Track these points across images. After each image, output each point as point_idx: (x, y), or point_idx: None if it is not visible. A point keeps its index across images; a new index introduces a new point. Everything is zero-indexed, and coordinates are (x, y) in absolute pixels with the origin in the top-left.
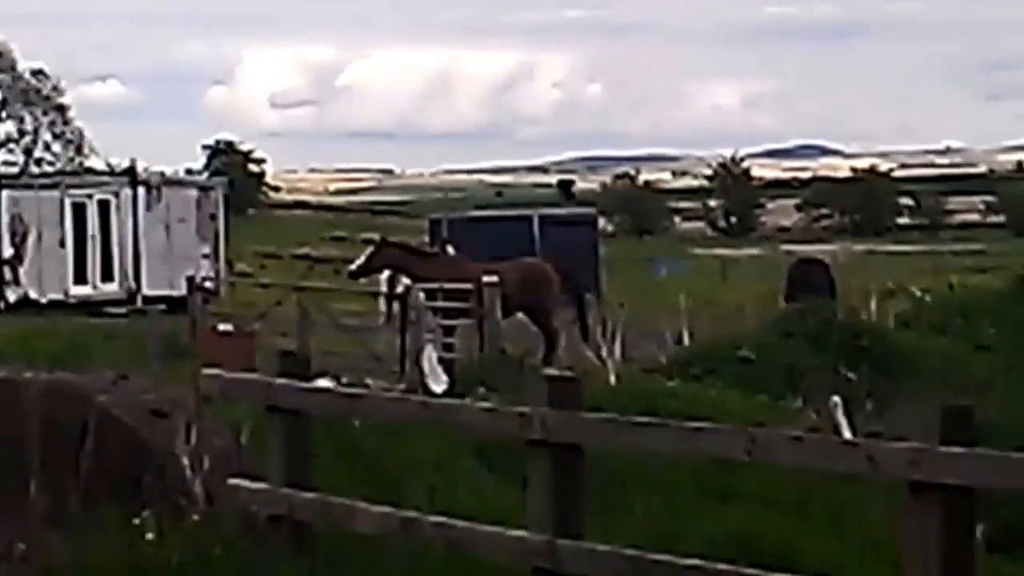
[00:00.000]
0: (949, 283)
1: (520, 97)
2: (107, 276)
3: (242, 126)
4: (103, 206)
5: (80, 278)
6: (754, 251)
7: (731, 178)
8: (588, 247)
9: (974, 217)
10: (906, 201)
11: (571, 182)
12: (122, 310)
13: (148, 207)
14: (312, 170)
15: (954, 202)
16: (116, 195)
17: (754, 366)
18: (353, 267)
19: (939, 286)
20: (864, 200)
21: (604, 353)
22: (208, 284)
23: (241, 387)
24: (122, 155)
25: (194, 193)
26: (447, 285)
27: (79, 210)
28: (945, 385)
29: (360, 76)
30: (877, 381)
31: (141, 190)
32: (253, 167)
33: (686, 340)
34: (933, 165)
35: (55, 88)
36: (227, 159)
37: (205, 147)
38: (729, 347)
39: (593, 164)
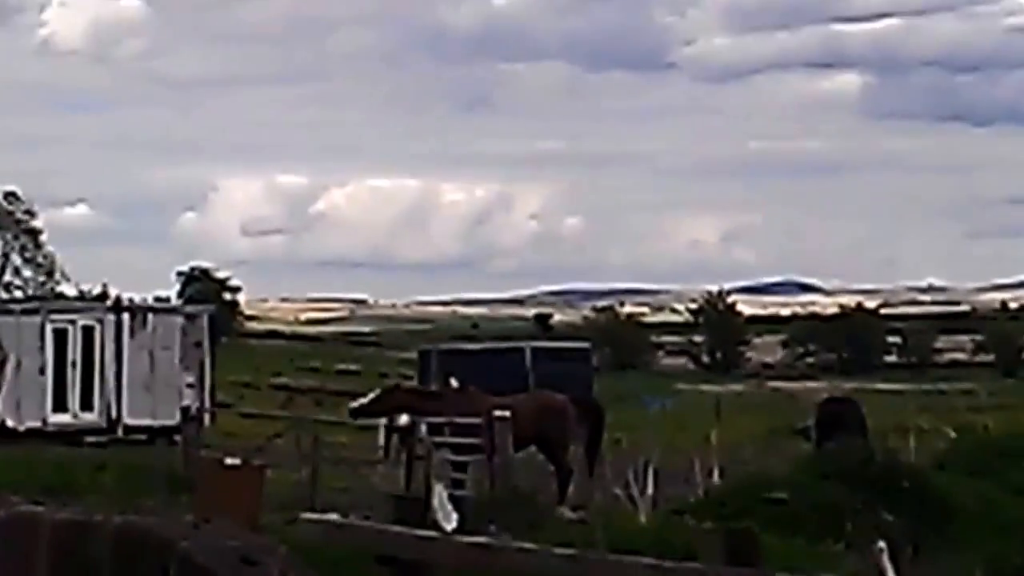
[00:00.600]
0: (984, 424)
1: (496, 229)
2: (87, 404)
3: (213, 253)
4: (86, 332)
5: (60, 406)
6: (738, 387)
7: (716, 313)
8: (583, 382)
9: (962, 356)
10: (893, 339)
11: (548, 315)
12: (102, 439)
13: (132, 334)
14: (283, 299)
15: (942, 341)
16: (100, 321)
17: (788, 507)
18: (355, 405)
19: (954, 426)
20: (851, 338)
21: (636, 493)
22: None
23: (347, 534)
24: (93, 281)
25: (180, 320)
26: (456, 419)
27: (60, 336)
28: (985, 529)
29: (333, 205)
30: (917, 524)
31: (125, 316)
32: (228, 295)
33: (716, 478)
34: (916, 303)
35: (28, 212)
36: (201, 286)
37: (180, 274)
38: (759, 487)
39: (569, 297)
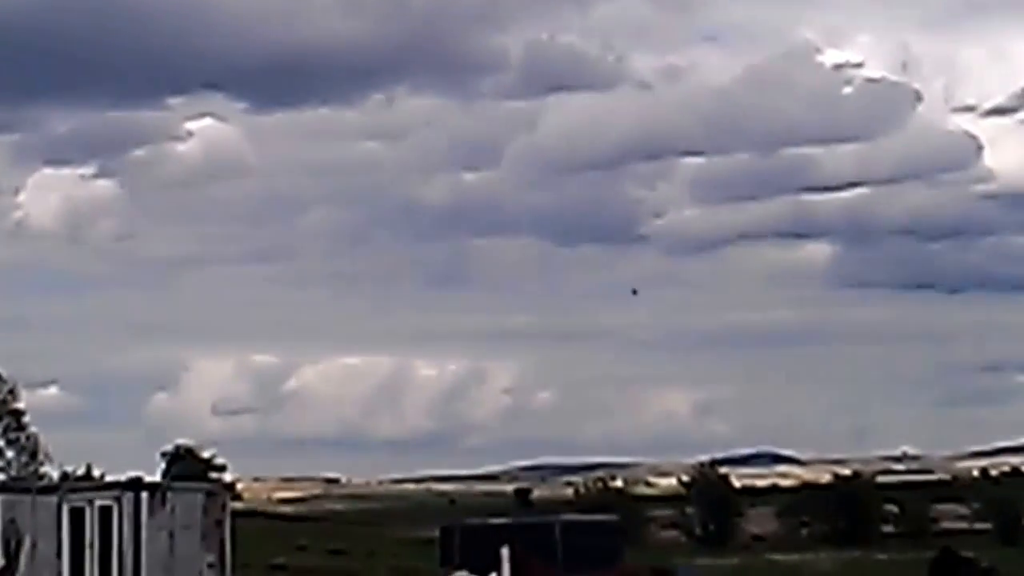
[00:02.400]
0: None
1: (468, 404)
2: None
3: (185, 434)
4: (104, 513)
5: None
6: (734, 560)
7: (708, 484)
8: (614, 556)
9: (960, 525)
10: (890, 508)
11: (528, 490)
12: None
13: (151, 513)
14: (256, 479)
15: (938, 509)
16: (118, 500)
17: None
18: None
19: None
20: (847, 507)
21: None
22: None
23: None
24: (76, 462)
25: (200, 498)
26: None
27: (77, 517)
28: None
29: (305, 383)
30: None
31: (144, 495)
32: (214, 474)
33: None
34: (891, 472)
35: (11, 392)
36: (187, 465)
37: (164, 454)
38: None
39: (543, 472)
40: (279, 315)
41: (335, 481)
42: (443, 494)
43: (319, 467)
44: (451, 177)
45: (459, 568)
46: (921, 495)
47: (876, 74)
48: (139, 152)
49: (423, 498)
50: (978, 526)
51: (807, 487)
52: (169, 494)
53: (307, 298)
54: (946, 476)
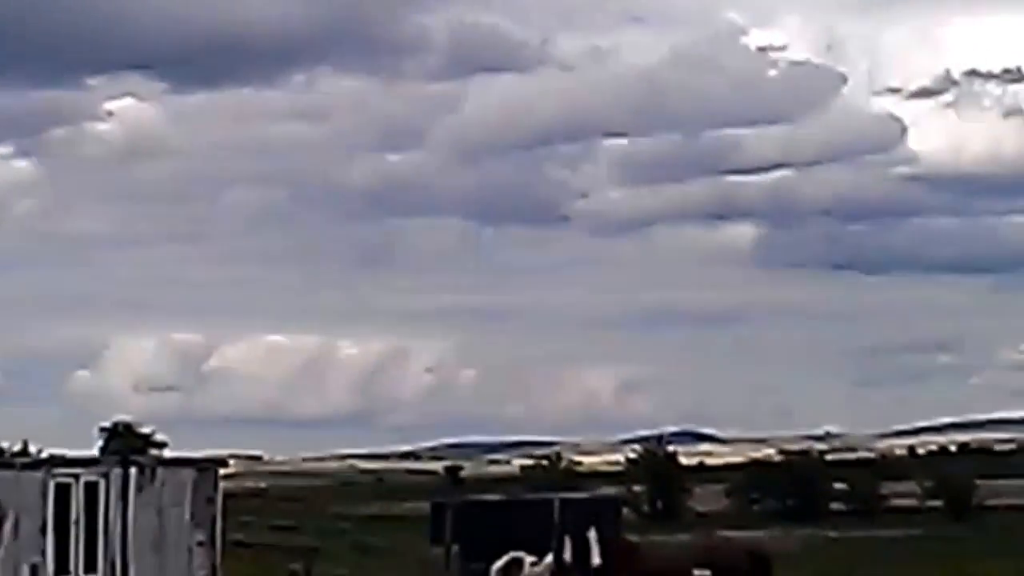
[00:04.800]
0: None
1: (391, 382)
2: (91, 566)
3: (107, 411)
4: (90, 489)
5: (61, 568)
6: (685, 537)
7: (655, 462)
8: (613, 534)
9: (911, 502)
10: (840, 485)
11: (459, 468)
12: None
13: (140, 489)
14: None
15: (889, 487)
16: (105, 476)
17: None
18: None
19: None
20: (797, 485)
21: None
22: (200, 574)
23: None
24: (12, 438)
25: (191, 474)
26: None
27: (63, 493)
28: None
29: (227, 362)
30: None
31: (132, 471)
32: (153, 450)
33: None
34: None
35: None
36: (125, 442)
37: (102, 430)
38: None
39: (467, 450)
40: (201, 294)
41: (258, 459)
42: (367, 471)
43: (242, 445)
44: (375, 158)
45: (451, 545)
46: (870, 473)
47: (800, 56)
48: (59, 132)
49: (348, 476)
50: (931, 504)
51: (756, 465)
52: (159, 470)
53: (230, 277)
54: (870, 455)
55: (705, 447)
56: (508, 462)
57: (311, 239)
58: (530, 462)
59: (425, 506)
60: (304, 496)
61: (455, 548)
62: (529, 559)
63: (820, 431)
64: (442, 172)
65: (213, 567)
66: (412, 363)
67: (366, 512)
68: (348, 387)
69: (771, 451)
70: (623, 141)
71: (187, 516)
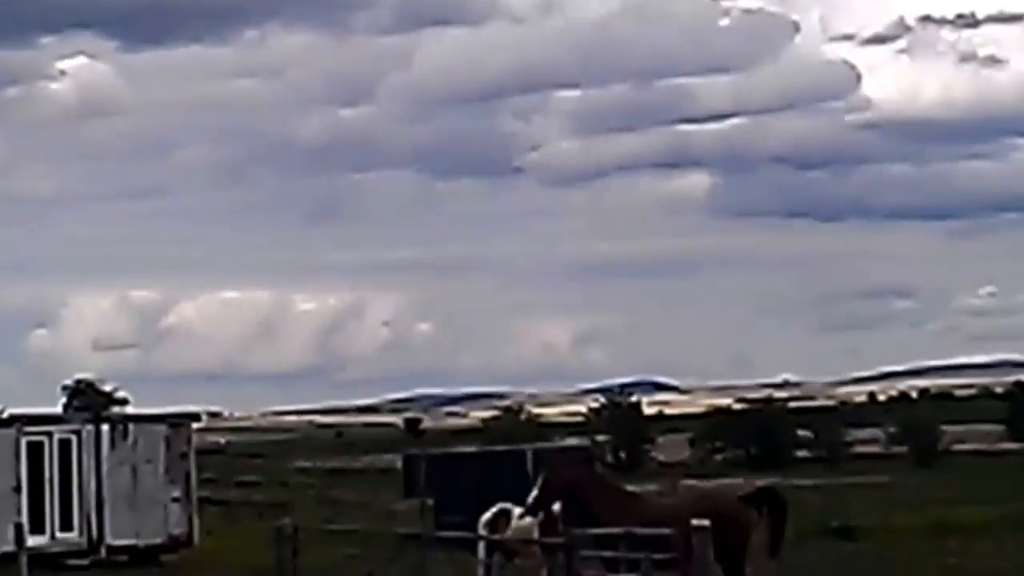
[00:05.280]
0: None
1: (348, 336)
2: (66, 524)
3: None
4: (63, 446)
5: (36, 527)
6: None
7: (619, 412)
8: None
9: (876, 449)
10: (804, 433)
11: (419, 420)
12: (84, 562)
13: (112, 446)
14: None
15: (852, 434)
16: (77, 434)
17: None
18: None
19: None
20: (761, 433)
21: None
22: (177, 531)
23: None
24: None
25: (164, 430)
26: (638, 530)
27: (36, 451)
28: None
29: (184, 318)
30: None
31: (105, 428)
32: (116, 408)
33: None
34: (772, 399)
35: None
36: (88, 399)
37: (64, 387)
38: None
39: (425, 403)
40: (157, 251)
41: (216, 415)
42: (326, 426)
43: (200, 400)
44: (328, 113)
45: (425, 498)
46: (833, 420)
47: (753, 4)
48: (11, 91)
49: (306, 430)
50: (894, 450)
51: (718, 413)
52: (131, 426)
53: (185, 234)
54: (830, 402)
55: (663, 396)
56: (466, 414)
57: (265, 195)
58: (489, 414)
59: (388, 459)
60: (268, 451)
61: (429, 501)
62: (517, 511)
63: (778, 379)
64: (395, 126)
65: (189, 523)
66: (368, 317)
67: (329, 466)
68: (305, 342)
69: (729, 400)
70: (575, 92)
71: (161, 472)
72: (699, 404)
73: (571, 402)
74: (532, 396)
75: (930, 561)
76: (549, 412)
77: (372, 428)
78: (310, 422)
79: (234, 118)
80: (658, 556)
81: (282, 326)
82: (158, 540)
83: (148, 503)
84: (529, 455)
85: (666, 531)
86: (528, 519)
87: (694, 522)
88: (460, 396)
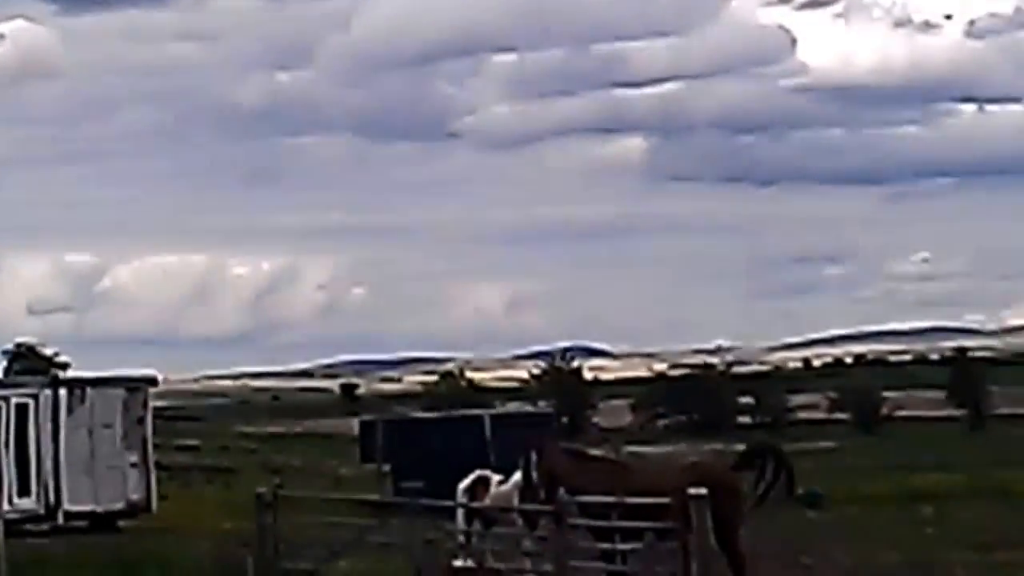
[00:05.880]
0: None
1: (283, 301)
2: (24, 490)
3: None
4: (20, 411)
5: None
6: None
7: (561, 378)
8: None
9: (818, 415)
10: (746, 399)
11: (355, 385)
12: (42, 527)
13: (70, 411)
14: None
15: (796, 399)
16: (35, 398)
17: None
18: (535, 479)
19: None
20: (703, 398)
21: None
22: (136, 497)
23: None
24: None
25: (121, 393)
26: (630, 500)
27: None
28: None
29: (119, 282)
30: None
31: (62, 392)
32: (59, 372)
33: None
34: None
35: None
36: (28, 363)
37: (5, 352)
38: None
39: (359, 367)
40: (93, 215)
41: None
42: (261, 390)
43: (135, 365)
44: (265, 76)
45: (383, 464)
46: (776, 385)
47: None
48: None
49: (241, 394)
50: (837, 416)
51: (660, 379)
52: (88, 391)
53: (120, 197)
54: (764, 368)
55: (597, 362)
56: (400, 379)
57: (201, 158)
58: (425, 379)
59: (327, 423)
60: (204, 415)
61: (386, 467)
62: (496, 477)
63: (712, 345)
64: (332, 90)
65: (148, 489)
66: (303, 281)
67: (269, 431)
68: (240, 306)
69: (663, 365)
70: (511, 56)
71: (119, 437)
72: (632, 369)
73: (505, 367)
74: (466, 361)
75: (909, 531)
76: (483, 377)
77: (308, 393)
78: (245, 386)
79: (172, 82)
80: (657, 526)
81: (217, 290)
82: (117, 506)
83: (106, 468)
84: (487, 420)
85: (664, 500)
86: (507, 486)
87: (691, 491)
88: (394, 361)
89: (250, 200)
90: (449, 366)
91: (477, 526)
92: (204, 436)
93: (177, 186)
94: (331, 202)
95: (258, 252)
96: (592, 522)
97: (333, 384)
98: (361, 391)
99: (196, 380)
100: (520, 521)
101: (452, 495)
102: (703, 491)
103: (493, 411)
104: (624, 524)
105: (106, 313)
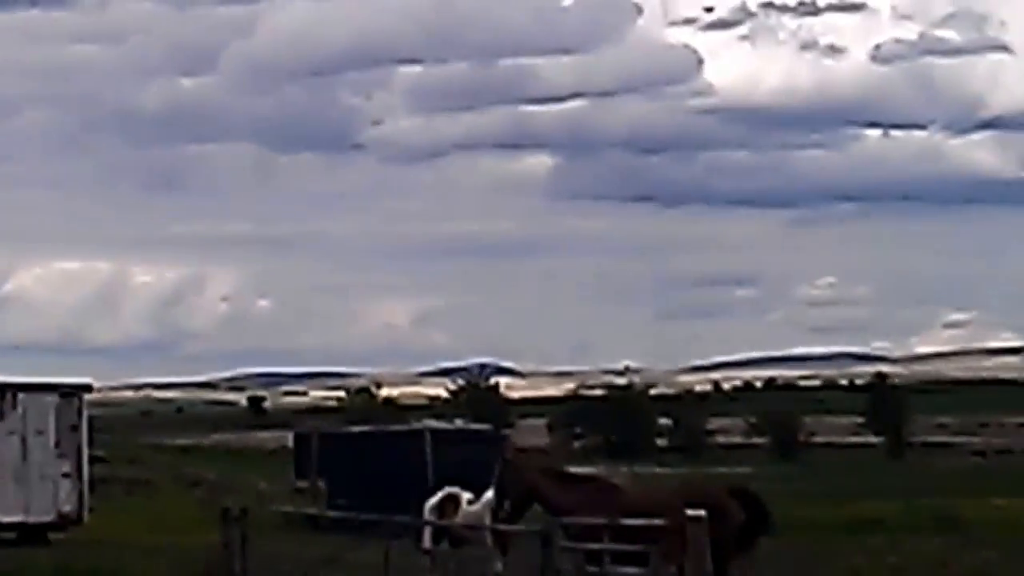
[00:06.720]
0: None
1: (187, 311)
2: None
3: None
4: None
5: None
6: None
7: (479, 394)
8: (487, 468)
9: (737, 439)
10: (665, 421)
11: (262, 398)
12: None
13: (1, 416)
14: None
15: (717, 423)
16: None
17: None
18: (507, 507)
19: None
20: (621, 419)
21: None
22: (67, 508)
23: None
24: None
25: (54, 400)
26: (626, 521)
27: None
28: None
29: (21, 288)
30: None
31: None
32: None
33: None
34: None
35: None
36: None
37: None
38: None
39: (263, 380)
40: None
41: None
42: (164, 401)
43: (35, 373)
44: (168, 82)
45: (317, 478)
46: (695, 408)
47: None
48: None
49: (144, 405)
50: (756, 440)
51: (579, 399)
52: (20, 396)
53: (21, 202)
54: (670, 390)
55: (504, 380)
56: (306, 393)
57: (104, 164)
58: (330, 393)
59: (235, 438)
60: (107, 426)
61: (322, 483)
62: (466, 496)
63: (619, 365)
64: (235, 97)
65: (80, 500)
66: (207, 292)
67: (178, 443)
68: (142, 315)
69: (572, 384)
70: (417, 68)
71: (51, 445)
72: (540, 388)
73: (411, 383)
74: (371, 377)
75: (864, 560)
76: (390, 393)
77: (212, 406)
78: (147, 397)
79: (73, 84)
80: (650, 549)
81: (120, 298)
82: (47, 518)
83: (37, 478)
84: (428, 436)
85: (658, 522)
86: (478, 505)
87: (690, 512)
88: (299, 374)
89: (154, 207)
90: (354, 381)
91: (445, 546)
92: (110, 448)
93: (79, 191)
94: (236, 211)
95: (162, 261)
96: (581, 545)
97: (238, 397)
98: (267, 404)
99: (98, 390)
100: (490, 541)
101: (387, 512)
102: (702, 513)
103: (434, 427)
104: (614, 547)
105: (6, 319)
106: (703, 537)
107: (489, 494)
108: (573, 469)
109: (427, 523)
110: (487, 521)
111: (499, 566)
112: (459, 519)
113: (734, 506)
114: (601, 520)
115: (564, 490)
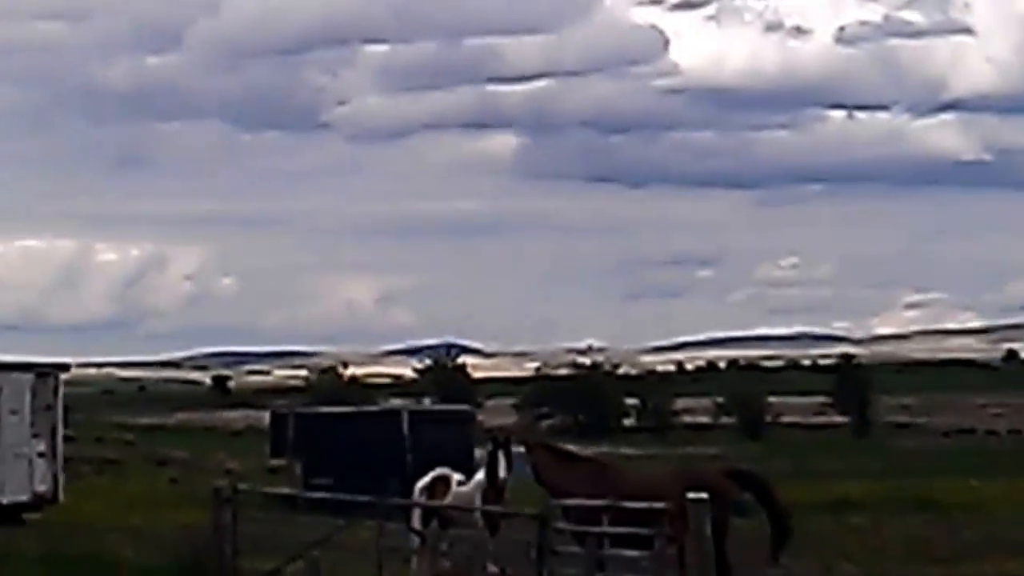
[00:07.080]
0: None
1: (150, 289)
2: None
3: None
4: None
5: None
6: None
7: (446, 374)
8: (465, 449)
9: (704, 419)
10: (632, 401)
11: (228, 377)
12: None
13: None
14: None
15: (683, 403)
16: None
17: None
18: (502, 476)
19: None
20: (589, 399)
21: None
22: (42, 488)
23: None
24: None
25: (29, 379)
26: (627, 504)
27: None
28: None
29: None
30: None
31: None
32: None
33: None
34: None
35: None
36: None
37: None
38: None
39: (227, 359)
40: None
41: None
42: (128, 379)
43: None
44: (134, 60)
45: (293, 458)
46: (662, 388)
47: None
48: None
49: (107, 383)
50: (724, 421)
51: (544, 378)
52: None
53: None
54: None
55: (469, 360)
56: (269, 372)
57: (68, 142)
58: (294, 372)
59: (199, 417)
60: (70, 405)
61: (298, 463)
62: (456, 476)
63: (583, 345)
64: (201, 75)
65: (55, 480)
66: (170, 270)
67: (144, 422)
68: (105, 293)
69: (534, 364)
70: (383, 47)
71: (26, 424)
72: (504, 368)
73: (375, 363)
74: (335, 356)
75: (851, 541)
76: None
77: (175, 384)
78: (109, 375)
79: (37, 62)
80: (652, 531)
81: (83, 277)
82: (22, 498)
83: (12, 457)
84: (406, 416)
85: (660, 505)
86: (468, 486)
87: (691, 495)
88: (262, 353)
89: (118, 185)
90: (318, 360)
91: (434, 528)
92: (74, 426)
93: (43, 169)
94: (200, 190)
95: (124, 239)
96: (580, 527)
97: (201, 376)
98: (232, 384)
99: None
100: (481, 523)
101: (364, 492)
102: (703, 495)
103: (412, 407)
104: (615, 530)
105: None
106: (705, 520)
107: (480, 475)
108: (571, 448)
109: (417, 504)
110: (478, 502)
111: (489, 547)
112: (450, 500)
113: (732, 487)
114: (602, 502)
115: (564, 469)
